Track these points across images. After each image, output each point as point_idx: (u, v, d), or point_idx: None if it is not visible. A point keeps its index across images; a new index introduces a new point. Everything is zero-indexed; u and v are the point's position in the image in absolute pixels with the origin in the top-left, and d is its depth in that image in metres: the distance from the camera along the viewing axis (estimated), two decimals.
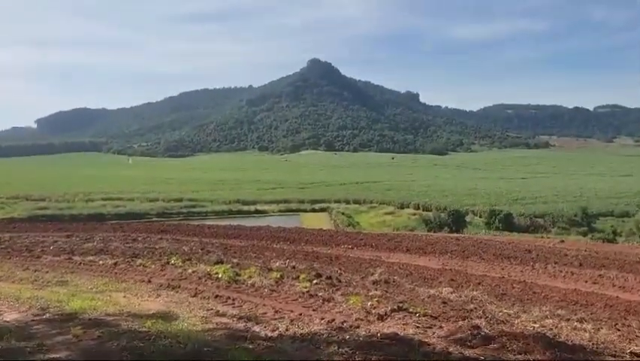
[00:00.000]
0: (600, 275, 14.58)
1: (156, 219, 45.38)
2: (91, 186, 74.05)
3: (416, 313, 7.38)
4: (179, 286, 9.82)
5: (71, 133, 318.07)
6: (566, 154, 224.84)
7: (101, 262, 13.31)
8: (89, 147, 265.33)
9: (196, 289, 9.56)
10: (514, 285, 12.26)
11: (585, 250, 20.32)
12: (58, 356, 4.99)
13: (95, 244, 17.52)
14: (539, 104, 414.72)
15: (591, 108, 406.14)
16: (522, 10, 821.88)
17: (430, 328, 6.63)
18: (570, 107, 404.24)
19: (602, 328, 7.14)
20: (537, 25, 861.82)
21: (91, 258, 14.08)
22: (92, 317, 6.85)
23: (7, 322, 6.65)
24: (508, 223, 59.90)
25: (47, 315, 7.08)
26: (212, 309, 7.85)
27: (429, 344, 5.77)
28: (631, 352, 5.71)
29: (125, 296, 8.88)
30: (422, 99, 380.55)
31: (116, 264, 12.93)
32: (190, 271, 11.45)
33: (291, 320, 7.10)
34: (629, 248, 27.13)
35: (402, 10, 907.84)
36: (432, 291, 9.67)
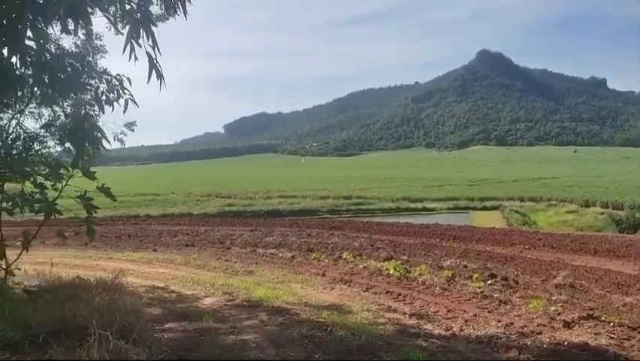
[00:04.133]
0: None
1: (327, 215, 47.41)
2: (269, 184, 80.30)
3: (610, 322, 6.60)
4: (352, 281, 10.12)
5: (252, 136, 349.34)
6: None
7: (280, 255, 14.34)
8: (267, 148, 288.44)
9: (367, 284, 9.76)
10: None
11: None
12: (247, 337, 5.49)
13: (274, 238, 18.94)
14: None
15: None
16: None
17: (627, 340, 5.88)
18: None
19: None
20: None
21: (272, 251, 15.25)
22: (275, 305, 7.41)
23: (205, 305, 7.52)
24: None
25: (237, 301, 7.84)
26: (383, 304, 7.94)
27: (627, 358, 5.11)
28: None
29: (302, 287, 9.43)
30: (610, 85, 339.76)
31: (293, 257, 13.81)
32: (361, 266, 11.74)
33: (465, 321, 6.86)
34: None
35: None
36: (628, 299, 8.54)
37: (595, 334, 6.08)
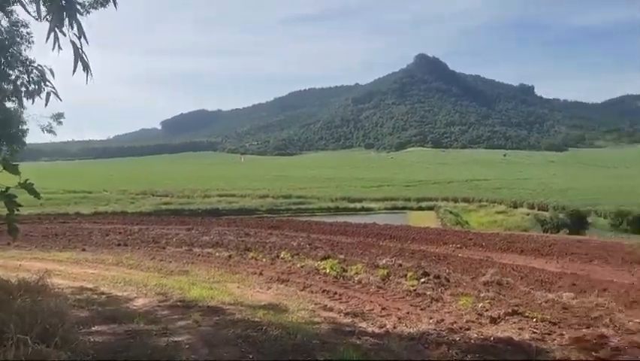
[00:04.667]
0: None
1: (266, 215, 47.15)
2: (208, 183, 78.88)
3: (533, 318, 6.95)
4: (289, 280, 10.11)
5: (190, 134, 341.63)
6: None
7: (217, 254, 14.11)
8: (206, 146, 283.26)
9: (304, 283, 9.78)
10: None
11: None
12: (180, 338, 5.35)
13: (211, 237, 18.61)
14: None
15: None
16: None
17: (548, 334, 6.20)
18: None
19: None
20: None
21: (208, 250, 14.98)
22: (210, 305, 7.27)
23: (137, 306, 7.27)
24: (638, 225, 54.57)
25: (171, 301, 7.64)
26: (319, 303, 7.98)
27: (548, 352, 5.40)
28: None
29: (238, 287, 9.32)
30: (538, 92, 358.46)
31: (230, 256, 13.63)
32: (299, 265, 11.75)
33: (399, 318, 7.01)
34: None
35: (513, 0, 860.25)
36: (550, 295, 9.03)
37: (519, 329, 6.38)
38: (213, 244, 16.41)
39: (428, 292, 8.64)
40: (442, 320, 6.87)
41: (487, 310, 7.39)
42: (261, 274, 10.89)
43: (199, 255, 14.31)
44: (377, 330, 6.37)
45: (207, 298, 7.84)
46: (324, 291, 9.03)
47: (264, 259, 13.02)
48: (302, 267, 11.54)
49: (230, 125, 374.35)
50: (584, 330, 6.29)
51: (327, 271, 10.83)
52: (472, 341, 5.78)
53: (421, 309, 7.68)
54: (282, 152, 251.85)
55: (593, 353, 5.35)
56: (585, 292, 10.10)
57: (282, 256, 13.33)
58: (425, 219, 50.70)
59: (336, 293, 8.87)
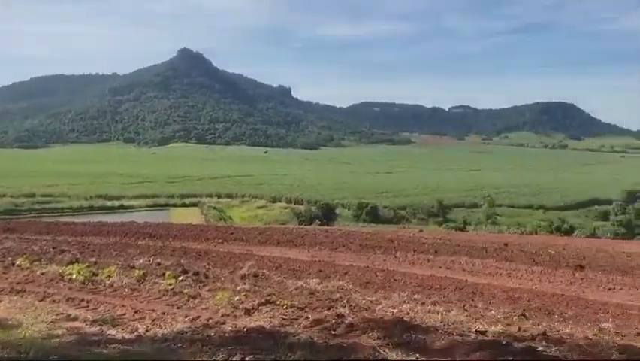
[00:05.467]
0: (452, 261, 15.92)
1: (2, 216, 40.68)
2: None
3: (283, 305, 7.40)
4: (25, 290, 8.82)
5: None
6: (425, 150, 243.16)
7: None
8: None
9: (44, 292, 8.65)
10: (378, 273, 12.87)
11: (440, 239, 22.05)
12: None
13: None
14: (403, 103, 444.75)
15: (446, 108, 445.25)
16: (388, 14, 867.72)
17: (296, 319, 6.67)
18: (428, 106, 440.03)
19: (452, 309, 7.74)
20: (402, 29, 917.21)
21: None
22: None
23: None
24: (374, 215, 63.37)
25: None
26: (62, 313, 7.15)
27: (294, 335, 5.79)
28: (476, 330, 6.24)
29: None
30: (294, 94, 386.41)
31: None
32: (39, 272, 10.35)
33: (153, 320, 6.72)
34: (477, 236, 30.04)
35: (275, 3, 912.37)
36: (300, 283, 9.78)
37: (270, 317, 6.72)
38: None
39: (186, 290, 8.49)
40: (199, 317, 6.82)
41: (242, 302, 7.60)
42: None
43: None
44: (128, 335, 5.99)
45: None
46: (68, 299, 8.12)
47: None
48: (43, 274, 10.19)
49: None
50: (325, 312, 6.95)
51: (74, 276, 9.77)
52: (227, 335, 5.87)
53: (178, 308, 7.51)
54: (24, 144, 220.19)
55: (332, 332, 5.94)
56: (329, 277, 11.23)
57: (18, 263, 11.56)
58: (189, 216, 50.29)
59: (83, 300, 8.06)
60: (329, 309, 7.16)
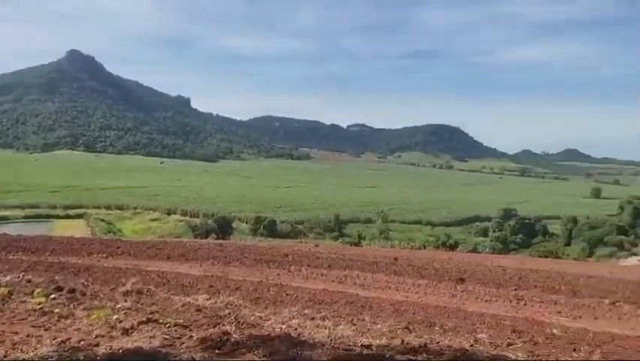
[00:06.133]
0: (345, 275, 16.23)
1: None
2: None
3: (166, 323, 7.00)
4: None
5: None
6: (324, 166, 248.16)
7: None
8: None
9: None
10: (271, 288, 12.74)
11: (335, 253, 22.47)
12: None
13: None
14: (302, 119, 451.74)
15: (344, 126, 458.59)
16: (292, 30, 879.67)
17: (179, 338, 6.32)
18: (327, 123, 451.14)
19: (340, 324, 7.80)
20: (305, 47, 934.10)
21: None
22: None
23: None
24: (272, 229, 63.35)
25: None
26: None
27: (175, 356, 5.48)
28: (362, 344, 6.31)
29: None
30: (194, 105, 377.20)
31: None
32: None
33: (14, 344, 6.02)
34: (370, 250, 31.06)
35: (179, 12, 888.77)
36: (188, 299, 9.35)
37: (151, 337, 6.30)
38: None
39: (57, 310, 7.75)
40: (69, 339, 6.22)
41: (121, 321, 7.08)
42: None
43: None
44: None
45: None
46: None
47: None
48: None
49: None
50: (210, 330, 6.67)
51: None
52: (99, 358, 5.41)
53: (45, 329, 6.81)
54: None
55: (216, 351, 5.70)
56: (220, 292, 10.89)
57: None
58: (73, 228, 46.77)
59: None
60: (215, 326, 6.89)
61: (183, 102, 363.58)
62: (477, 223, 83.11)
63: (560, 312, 12.79)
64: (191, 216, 69.42)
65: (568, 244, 72.55)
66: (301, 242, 41.50)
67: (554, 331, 10.08)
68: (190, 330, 6.77)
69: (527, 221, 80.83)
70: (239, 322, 7.31)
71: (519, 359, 6.34)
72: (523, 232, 75.74)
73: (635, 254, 68.43)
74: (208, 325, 7.03)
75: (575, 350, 7.84)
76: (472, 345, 7.18)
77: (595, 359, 7.13)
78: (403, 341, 6.66)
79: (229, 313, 7.96)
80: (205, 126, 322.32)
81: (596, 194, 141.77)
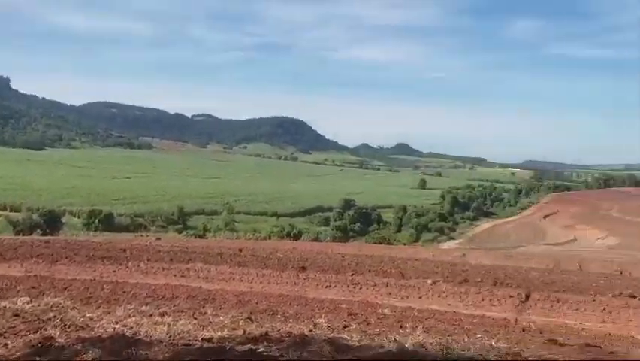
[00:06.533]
0: (187, 268, 15.80)
1: None
2: None
3: None
4: None
5: None
6: (167, 156, 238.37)
7: None
8: None
9: None
10: (105, 286, 11.92)
11: (177, 246, 21.73)
12: None
13: None
14: (144, 107, 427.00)
15: (189, 115, 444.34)
16: (133, 10, 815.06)
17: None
18: (171, 112, 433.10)
19: (181, 319, 7.55)
20: (146, 30, 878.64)
21: None
22: None
23: None
24: (108, 223, 59.24)
25: None
26: None
27: None
28: (202, 338, 6.18)
29: None
30: (14, 86, 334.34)
31: None
32: None
33: None
34: (215, 242, 30.66)
35: None
36: (4, 303, 8.30)
37: None
38: None
39: None
40: None
41: None
42: None
43: None
44: None
45: None
46: None
47: None
48: None
49: None
50: (31, 335, 6.00)
51: None
52: None
53: None
54: None
55: (37, 359, 5.14)
56: (44, 293, 9.87)
57: None
58: None
59: None
60: (36, 332, 6.20)
61: (2, 83, 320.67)
62: (319, 213, 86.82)
63: (390, 293, 13.92)
64: (11, 211, 61.93)
65: (399, 231, 79.63)
66: (141, 236, 39.28)
67: (385, 311, 10.98)
68: (5, 338, 6.01)
69: (364, 210, 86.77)
70: (65, 325, 6.68)
71: (353, 339, 6.76)
72: (361, 221, 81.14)
73: (452, 238, 77.60)
74: (27, 331, 6.30)
75: (401, 326, 8.60)
76: (310, 330, 7.47)
77: (418, 333, 7.88)
78: (244, 332, 6.68)
79: (54, 316, 7.24)
80: (29, 110, 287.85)
81: (422, 185, 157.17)
